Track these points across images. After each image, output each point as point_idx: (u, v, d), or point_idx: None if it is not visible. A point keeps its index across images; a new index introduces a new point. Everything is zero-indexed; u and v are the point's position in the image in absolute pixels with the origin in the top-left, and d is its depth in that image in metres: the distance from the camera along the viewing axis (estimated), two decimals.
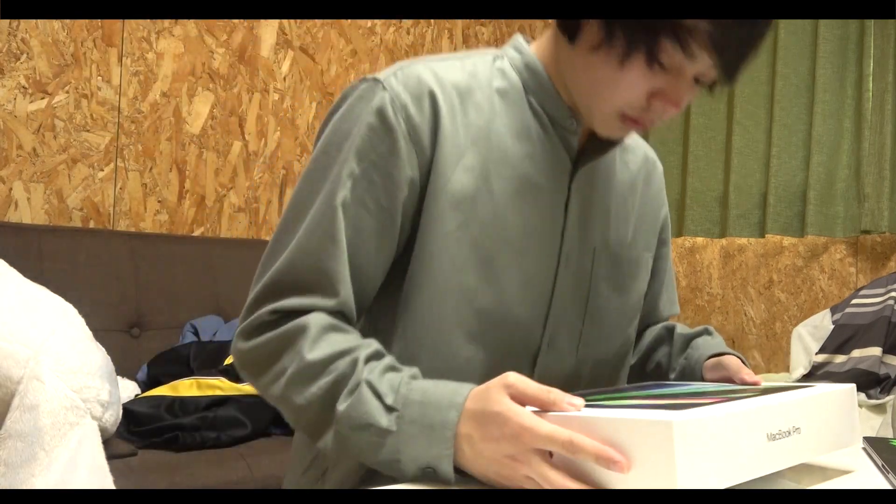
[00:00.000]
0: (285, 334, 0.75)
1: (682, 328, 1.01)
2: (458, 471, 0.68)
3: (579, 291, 0.87)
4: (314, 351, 0.73)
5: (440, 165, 0.79)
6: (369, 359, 0.73)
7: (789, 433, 0.65)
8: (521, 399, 0.64)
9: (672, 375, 0.97)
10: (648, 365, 1.02)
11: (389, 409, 0.70)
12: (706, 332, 0.99)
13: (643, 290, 0.95)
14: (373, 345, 0.75)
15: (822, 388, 0.71)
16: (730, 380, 0.85)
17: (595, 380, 0.92)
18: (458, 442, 0.66)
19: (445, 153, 0.79)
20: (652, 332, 1.03)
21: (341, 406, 0.71)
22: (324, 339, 0.74)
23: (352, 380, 0.72)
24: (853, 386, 0.74)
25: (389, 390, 0.70)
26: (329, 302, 0.76)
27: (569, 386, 0.79)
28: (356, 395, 0.71)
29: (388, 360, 0.74)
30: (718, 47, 0.71)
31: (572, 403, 0.62)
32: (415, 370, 0.73)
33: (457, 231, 0.79)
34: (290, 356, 0.75)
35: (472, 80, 0.83)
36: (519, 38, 0.87)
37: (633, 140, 0.96)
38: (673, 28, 0.70)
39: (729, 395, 0.67)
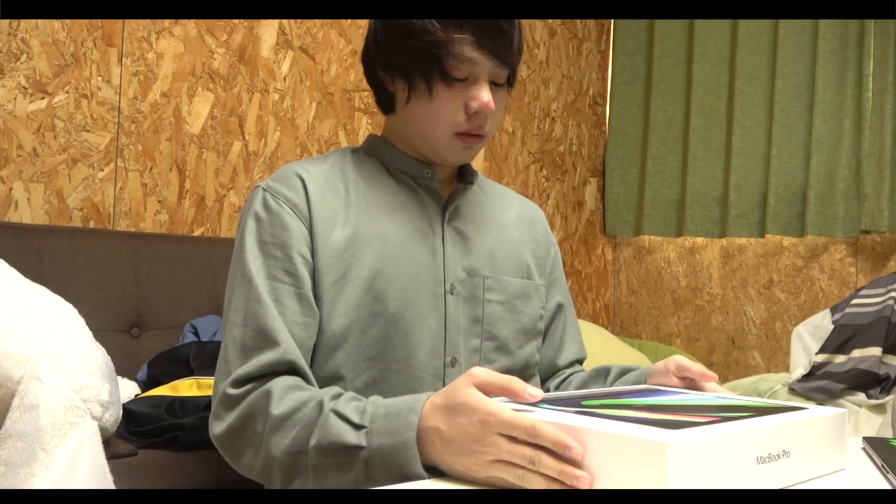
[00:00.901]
0: (253, 404, 0.84)
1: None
2: (437, 472, 0.71)
3: (474, 313, 1.00)
4: (280, 407, 0.82)
5: (318, 227, 0.94)
6: (333, 398, 0.80)
7: (779, 456, 0.65)
8: (486, 389, 0.69)
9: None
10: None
11: (358, 426, 0.76)
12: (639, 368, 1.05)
13: (537, 312, 1.08)
14: (333, 388, 0.83)
15: (814, 412, 0.72)
16: (695, 384, 0.89)
17: None
18: (426, 437, 0.71)
19: (321, 217, 0.95)
20: (579, 377, 1.10)
21: (313, 441, 0.78)
22: (287, 396, 0.83)
23: (320, 419, 0.79)
24: (845, 411, 0.75)
25: (355, 412, 0.77)
26: (274, 354, 0.86)
27: None
28: (325, 424, 0.78)
29: (351, 393, 0.82)
30: (483, 45, 0.92)
31: (532, 394, 0.68)
32: (376, 396, 0.80)
33: (343, 278, 0.93)
34: (262, 420, 0.83)
35: (334, 166, 1.01)
36: (369, 136, 1.09)
37: (504, 191, 1.16)
38: (448, 48, 0.91)
39: (723, 415, 0.68)
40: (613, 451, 0.59)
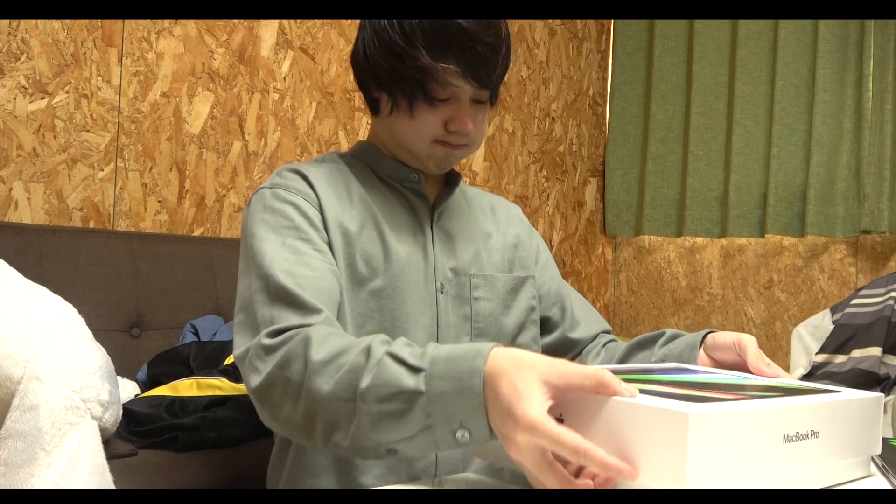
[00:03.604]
0: (291, 350, 0.78)
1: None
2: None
3: (463, 312, 1.03)
4: (321, 352, 0.76)
5: (328, 214, 0.96)
6: (384, 342, 0.74)
7: (807, 436, 0.64)
8: (561, 397, 0.63)
9: (653, 360, 1.01)
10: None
11: (416, 369, 0.69)
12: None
13: (528, 303, 1.10)
14: (381, 335, 0.76)
15: (848, 395, 0.70)
16: (745, 367, 0.86)
17: None
18: (490, 387, 0.65)
19: (329, 208, 0.96)
20: (621, 346, 1.10)
21: (364, 383, 0.71)
22: (328, 341, 0.77)
23: (370, 361, 0.72)
24: (881, 395, 0.73)
25: (411, 355, 0.71)
26: (318, 318, 0.83)
27: None
28: (379, 367, 0.71)
29: (405, 339, 0.75)
30: (467, 73, 0.94)
31: (630, 391, 0.61)
32: (435, 343, 0.74)
33: (347, 268, 0.95)
34: (299, 366, 0.77)
35: (332, 168, 1.03)
36: (358, 142, 1.10)
37: (479, 193, 1.19)
38: (432, 74, 0.93)
39: (750, 393, 0.67)
40: (635, 421, 0.58)
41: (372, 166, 1.06)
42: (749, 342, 0.88)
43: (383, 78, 0.97)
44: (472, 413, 0.65)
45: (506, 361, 0.64)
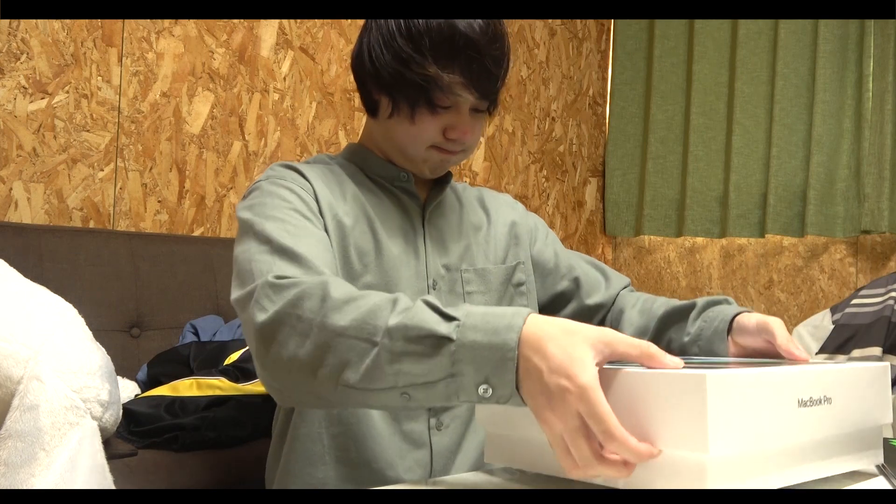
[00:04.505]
0: (306, 287, 0.76)
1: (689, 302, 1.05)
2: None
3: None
4: (340, 290, 0.75)
5: (323, 205, 0.97)
6: (413, 297, 0.76)
7: (820, 402, 0.66)
8: (609, 360, 0.63)
9: (686, 339, 1.00)
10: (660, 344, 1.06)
11: (449, 318, 0.68)
12: (725, 301, 1.01)
13: (522, 290, 1.11)
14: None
15: (854, 364, 0.73)
16: (773, 350, 0.85)
17: None
18: (534, 348, 0.63)
19: (324, 199, 0.98)
20: (654, 312, 1.08)
21: (392, 321, 0.70)
22: (347, 286, 0.77)
23: (398, 305, 0.71)
24: (887, 365, 0.75)
25: (445, 306, 0.70)
26: (321, 278, 0.80)
27: None
28: (411, 310, 0.70)
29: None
30: (472, 86, 0.96)
31: (675, 363, 0.62)
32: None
33: (341, 259, 0.96)
34: (316, 302, 0.75)
35: (323, 168, 1.04)
36: (348, 145, 1.11)
37: (466, 187, 1.19)
38: (437, 82, 0.95)
39: (763, 363, 0.69)
40: (653, 391, 0.59)
41: (362, 167, 1.07)
42: (776, 325, 0.85)
43: (387, 81, 0.98)
44: (500, 368, 0.64)
45: (551, 327, 0.64)
